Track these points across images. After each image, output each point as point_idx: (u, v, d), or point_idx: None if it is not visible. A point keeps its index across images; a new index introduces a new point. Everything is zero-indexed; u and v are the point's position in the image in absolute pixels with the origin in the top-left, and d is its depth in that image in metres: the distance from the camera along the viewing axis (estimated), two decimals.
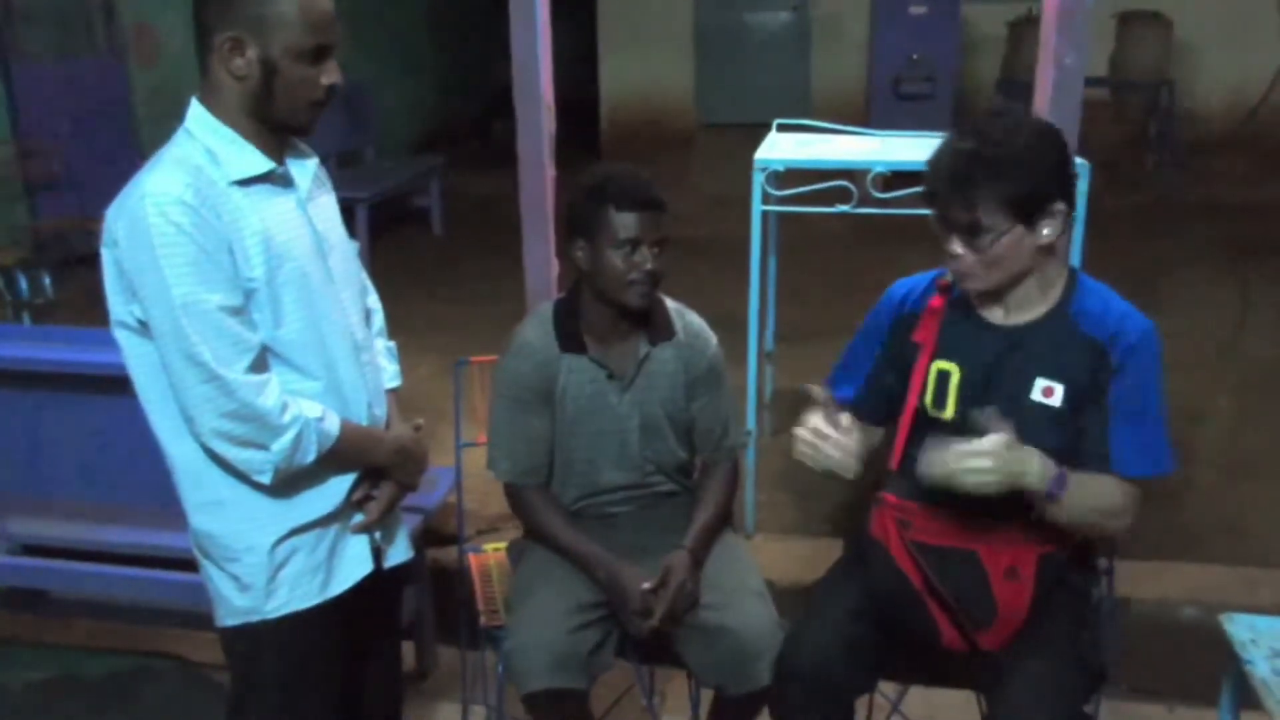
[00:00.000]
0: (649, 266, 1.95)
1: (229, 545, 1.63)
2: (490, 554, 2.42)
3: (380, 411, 1.79)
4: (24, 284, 4.84)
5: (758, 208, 2.82)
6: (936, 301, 1.86)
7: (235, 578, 1.64)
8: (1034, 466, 1.64)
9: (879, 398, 1.93)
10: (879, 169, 2.82)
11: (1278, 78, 5.95)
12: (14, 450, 2.43)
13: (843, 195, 2.79)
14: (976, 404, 1.76)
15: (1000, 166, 1.64)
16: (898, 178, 2.88)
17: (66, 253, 5.10)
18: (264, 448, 1.53)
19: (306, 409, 1.57)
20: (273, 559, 1.63)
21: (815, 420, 1.75)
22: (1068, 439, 1.74)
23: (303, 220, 1.63)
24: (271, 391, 1.53)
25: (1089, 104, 2.50)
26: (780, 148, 3.04)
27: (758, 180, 2.80)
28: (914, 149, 3.11)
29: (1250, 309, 4.93)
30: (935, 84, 7.52)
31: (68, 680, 2.68)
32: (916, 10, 7.59)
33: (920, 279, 1.94)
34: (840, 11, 8.50)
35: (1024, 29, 7.22)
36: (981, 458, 1.60)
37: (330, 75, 1.57)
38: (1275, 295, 5.11)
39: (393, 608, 2.01)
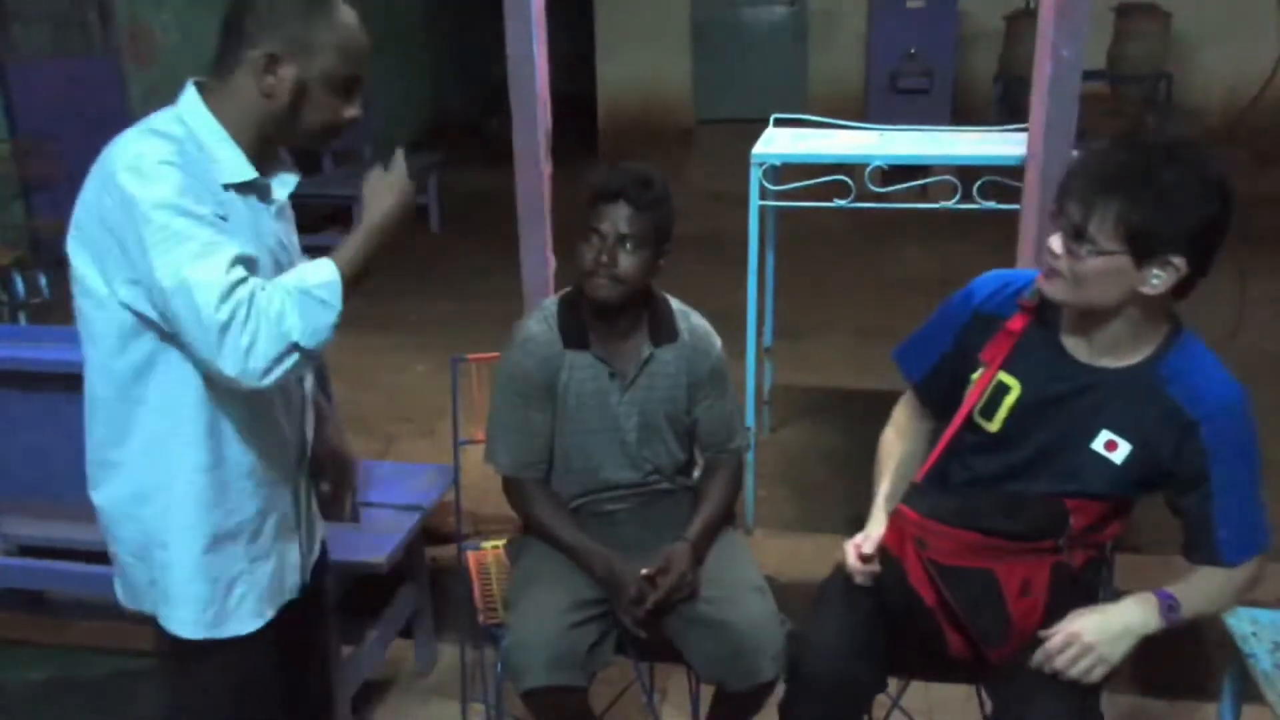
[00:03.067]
0: (603, 259, 1.94)
1: (147, 541, 1.57)
2: (489, 551, 2.41)
3: (307, 422, 1.75)
4: (20, 284, 4.83)
5: (755, 203, 2.81)
6: (1016, 323, 1.73)
7: (147, 569, 1.58)
8: (1132, 618, 1.64)
9: (944, 386, 1.84)
10: (877, 163, 2.81)
11: (1276, 70, 5.94)
12: (11, 451, 2.42)
13: (841, 190, 2.78)
14: (1028, 428, 1.71)
15: (1136, 187, 1.51)
16: (895, 172, 2.88)
17: (63, 252, 5.09)
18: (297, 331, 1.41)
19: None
20: (177, 567, 1.57)
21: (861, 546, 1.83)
22: (1119, 493, 1.69)
23: (271, 233, 1.59)
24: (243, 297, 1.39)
25: (1086, 97, 2.49)
26: (777, 143, 3.03)
27: (755, 175, 2.79)
28: (911, 143, 3.10)
29: (1249, 302, 4.92)
30: (932, 78, 7.52)
31: (66, 681, 2.68)
32: (913, 4, 7.59)
33: (1013, 279, 1.80)
34: (837, 6, 8.51)
35: (1021, 22, 7.23)
36: (1087, 654, 1.63)
37: (355, 109, 1.56)
38: (1274, 288, 5.10)
39: (322, 612, 1.93)
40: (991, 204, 2.74)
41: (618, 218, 1.95)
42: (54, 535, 2.53)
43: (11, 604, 2.83)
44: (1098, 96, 7.26)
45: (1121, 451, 1.66)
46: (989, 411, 1.75)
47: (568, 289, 2.11)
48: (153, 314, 1.43)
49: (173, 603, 1.59)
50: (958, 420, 1.77)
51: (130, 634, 2.76)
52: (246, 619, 1.63)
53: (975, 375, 1.77)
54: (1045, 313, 1.71)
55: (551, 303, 2.12)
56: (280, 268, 1.58)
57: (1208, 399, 1.62)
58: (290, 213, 1.69)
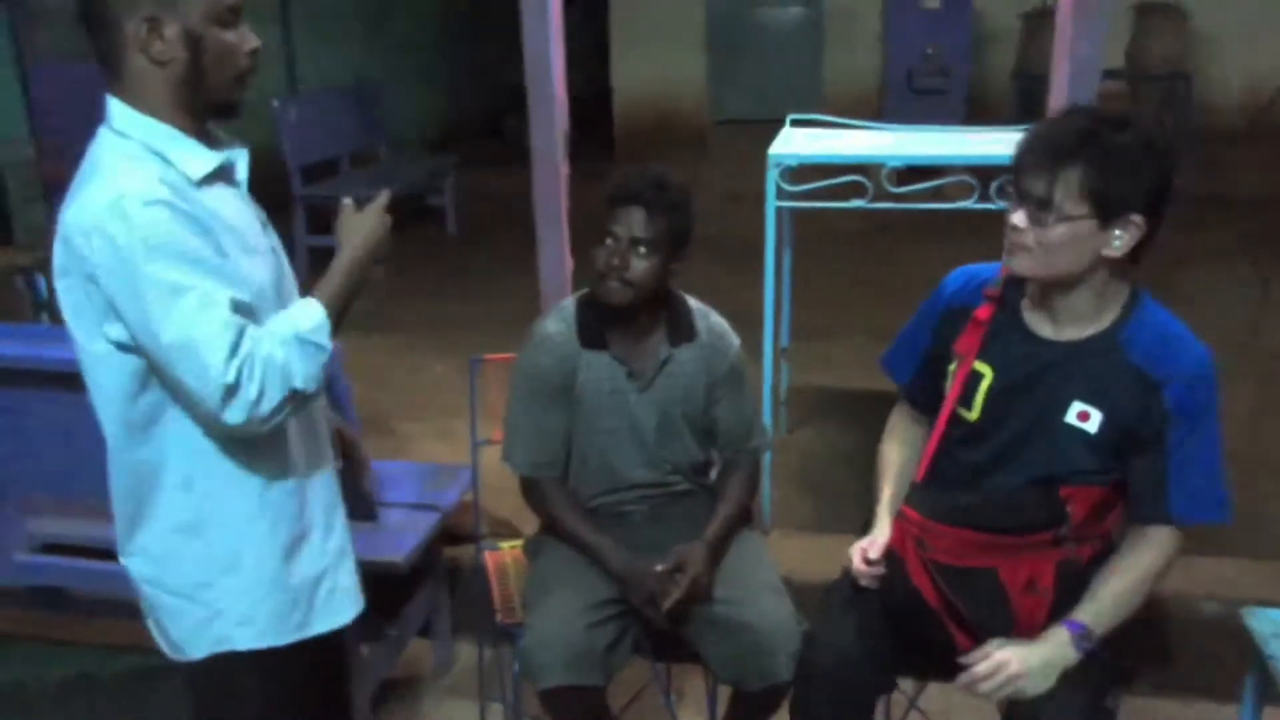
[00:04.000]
0: (615, 262, 1.95)
1: (206, 570, 1.54)
2: (507, 551, 2.42)
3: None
4: (43, 285, 4.87)
5: (772, 203, 2.81)
6: (984, 312, 1.79)
7: (205, 605, 1.55)
8: (1050, 654, 1.66)
9: (929, 385, 1.88)
10: (894, 163, 2.80)
11: None
12: (34, 450, 2.44)
13: (857, 190, 2.78)
14: (1004, 412, 1.73)
15: (1096, 151, 1.57)
16: (912, 172, 2.87)
17: None
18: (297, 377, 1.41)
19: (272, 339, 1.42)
20: (253, 585, 1.55)
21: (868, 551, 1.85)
22: (1100, 465, 1.70)
23: (253, 214, 1.56)
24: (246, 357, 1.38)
25: (1104, 96, 2.48)
26: (794, 143, 3.03)
27: (772, 176, 2.79)
28: (928, 143, 3.10)
29: (1268, 302, 4.89)
30: (949, 78, 7.49)
31: (86, 679, 2.69)
32: (929, 4, 7.56)
33: (977, 272, 1.87)
34: (853, 6, 8.47)
35: (1038, 21, 7.18)
36: (1013, 682, 1.65)
37: (249, 40, 1.45)
38: None
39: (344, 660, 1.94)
40: (1009, 204, 2.72)
41: (632, 221, 1.95)
42: (76, 533, 2.55)
43: (33, 601, 2.85)
44: (1116, 95, 7.22)
45: (1094, 420, 1.68)
46: (967, 401, 1.78)
47: (585, 289, 2.11)
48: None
49: (252, 618, 1.56)
50: (944, 415, 1.79)
51: (148, 634, 2.78)
52: (341, 610, 1.66)
53: (952, 368, 1.81)
54: (1009, 298, 1.77)
55: (569, 303, 2.12)
56: (272, 249, 1.57)
57: (1169, 361, 1.65)
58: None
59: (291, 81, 7.34)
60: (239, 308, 1.39)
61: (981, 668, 1.67)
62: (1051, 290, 1.70)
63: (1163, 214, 1.62)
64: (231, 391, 1.35)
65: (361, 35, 8.46)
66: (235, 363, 1.35)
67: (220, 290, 1.37)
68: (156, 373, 1.41)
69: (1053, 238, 1.61)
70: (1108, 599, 1.70)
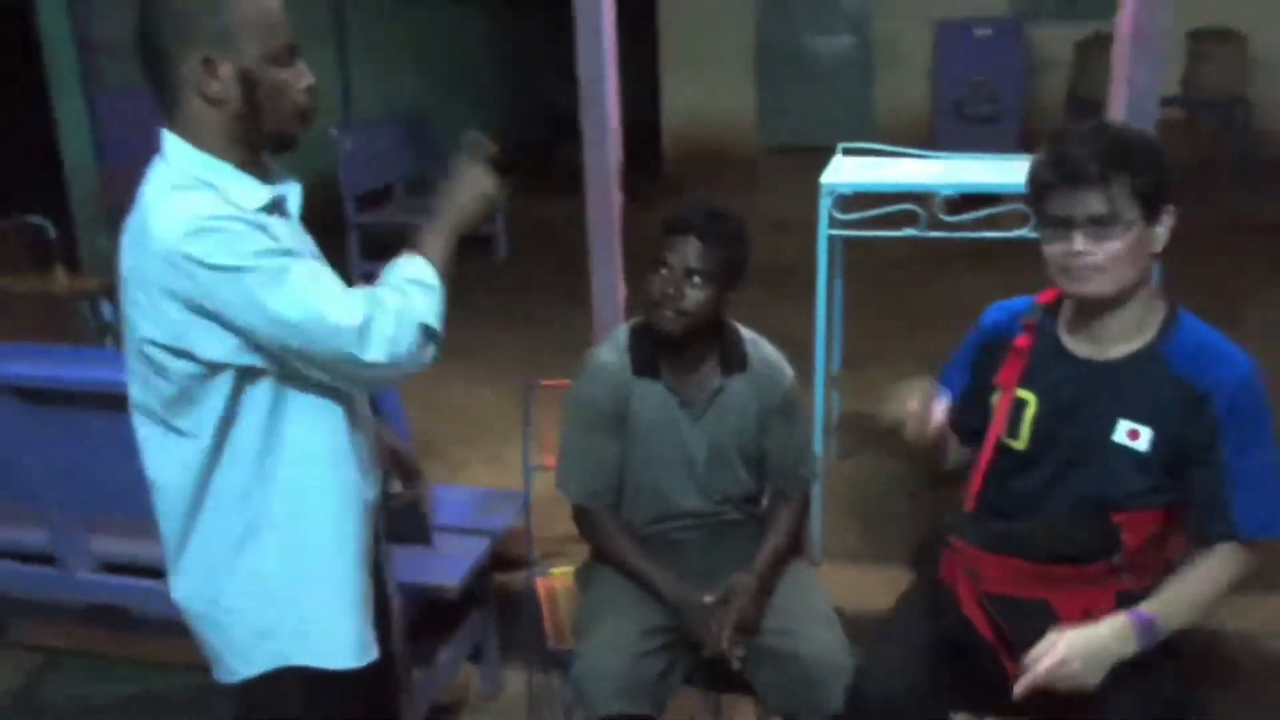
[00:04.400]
0: (669, 291, 1.95)
1: (265, 584, 1.54)
2: (557, 578, 2.42)
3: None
4: (107, 310, 4.99)
5: (824, 232, 2.81)
6: (1023, 341, 1.79)
7: (262, 617, 1.55)
8: (1112, 640, 1.61)
9: (970, 417, 1.86)
10: (947, 192, 2.79)
11: None
12: (99, 471, 2.49)
13: (910, 219, 2.77)
14: (1051, 437, 1.72)
15: (1139, 155, 1.62)
16: (965, 201, 2.86)
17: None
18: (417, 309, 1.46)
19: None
20: (310, 601, 1.56)
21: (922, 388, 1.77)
22: (1154, 484, 1.67)
23: (307, 244, 1.58)
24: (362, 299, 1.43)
25: (1161, 124, 2.45)
26: (846, 171, 3.03)
27: (824, 204, 2.79)
28: (981, 171, 3.08)
29: None
30: (1000, 105, 7.45)
31: (148, 696, 2.74)
32: (980, 32, 7.54)
33: (1014, 305, 1.88)
34: (903, 34, 8.46)
35: (1092, 49, 7.12)
36: (1065, 664, 1.59)
37: (305, 76, 1.48)
38: None
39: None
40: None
41: (687, 251, 1.95)
42: (138, 552, 2.60)
43: (95, 619, 2.91)
44: (1172, 123, 7.13)
45: (1144, 438, 1.66)
46: (1014, 430, 1.76)
47: (639, 318, 2.12)
48: (266, 363, 1.43)
49: (327, 639, 1.57)
50: (989, 443, 1.78)
51: None
52: (371, 645, 1.63)
53: (994, 400, 1.80)
54: (1046, 325, 1.78)
55: (623, 331, 2.14)
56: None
57: (1213, 372, 1.64)
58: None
59: (347, 111, 7.49)
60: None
61: (1045, 665, 1.61)
62: (1099, 309, 1.69)
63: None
64: (365, 330, 1.39)
65: (415, 65, 8.62)
66: (360, 308, 1.40)
67: (312, 263, 1.44)
68: (293, 366, 1.44)
69: (1121, 249, 1.61)
70: (1178, 598, 1.65)
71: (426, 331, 1.46)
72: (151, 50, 1.41)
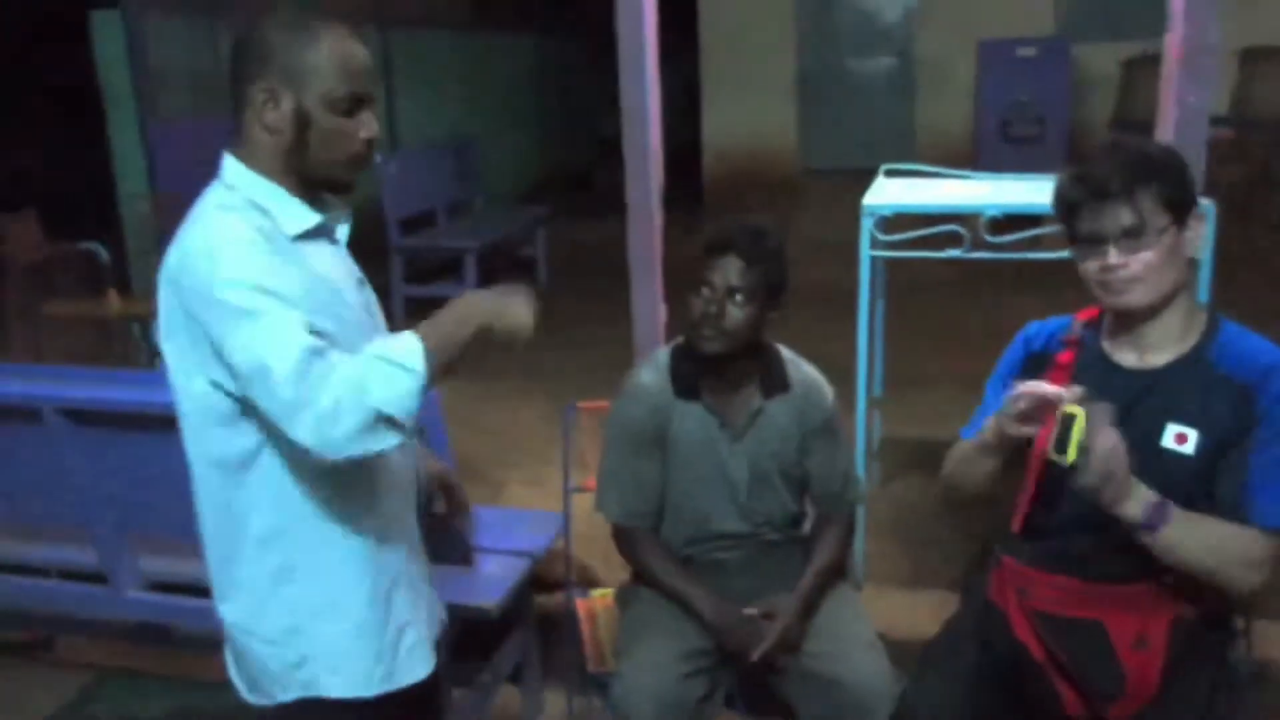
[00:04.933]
0: (711, 310, 1.94)
1: (295, 614, 1.56)
2: (598, 599, 2.42)
3: (413, 458, 1.73)
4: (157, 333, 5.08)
5: (866, 253, 2.79)
6: (1065, 356, 1.79)
7: (293, 649, 1.57)
8: (1138, 489, 1.57)
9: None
10: (991, 212, 2.76)
11: None
12: (146, 490, 2.53)
13: (953, 240, 2.75)
14: None
15: (1155, 164, 1.65)
16: (1009, 221, 2.83)
17: None
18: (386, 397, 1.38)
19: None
20: (341, 633, 1.57)
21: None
22: (1203, 492, 1.65)
23: (351, 270, 1.60)
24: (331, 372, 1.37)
25: (1211, 143, 2.42)
26: (888, 192, 3.02)
27: (866, 225, 2.78)
28: (1025, 192, 3.05)
29: None
30: (1045, 126, 7.39)
31: (191, 713, 2.77)
32: (1024, 52, 7.49)
33: (1053, 323, 1.88)
34: (946, 55, 8.43)
35: (1139, 68, 7.05)
36: (1105, 436, 1.53)
37: (368, 129, 1.50)
38: None
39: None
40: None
41: (728, 270, 1.95)
42: (185, 571, 2.63)
43: (141, 636, 2.95)
44: (1222, 142, 7.02)
45: (1191, 441, 1.65)
46: (1061, 446, 1.71)
47: (679, 339, 2.12)
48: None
49: (340, 668, 1.58)
50: (1035, 461, 1.75)
51: None
52: (419, 665, 1.65)
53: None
54: (1087, 340, 1.79)
55: (663, 353, 2.14)
56: (367, 307, 1.61)
57: (1257, 364, 1.64)
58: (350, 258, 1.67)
59: (393, 137, 7.60)
60: (318, 333, 1.39)
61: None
62: (1139, 319, 1.70)
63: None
64: (300, 406, 1.34)
65: (459, 93, 8.74)
66: (307, 379, 1.34)
67: (295, 315, 1.38)
68: (251, 406, 1.43)
69: (1156, 258, 1.63)
70: (1200, 525, 1.60)
71: (380, 417, 1.36)
72: (234, 73, 1.48)
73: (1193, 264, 1.70)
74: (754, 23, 8.71)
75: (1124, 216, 1.63)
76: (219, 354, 1.41)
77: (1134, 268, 1.64)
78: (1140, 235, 1.62)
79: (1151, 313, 1.69)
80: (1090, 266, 1.68)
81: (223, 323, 1.38)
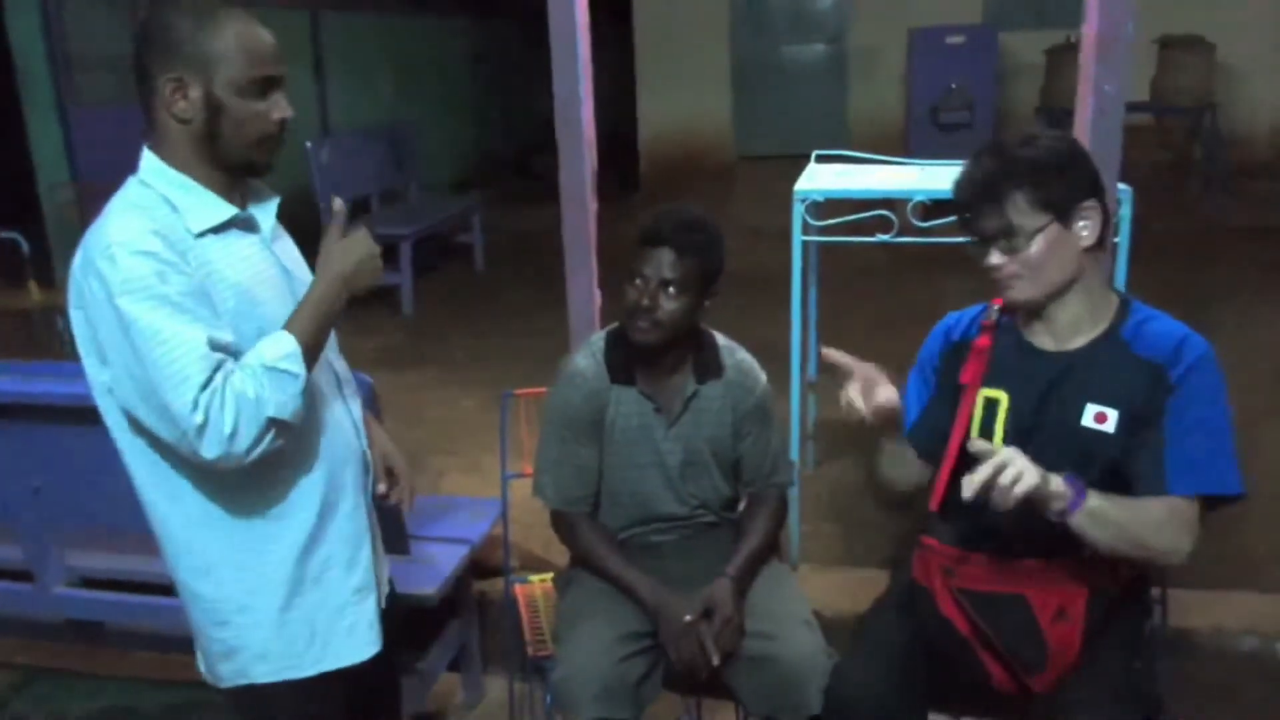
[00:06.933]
0: (644, 302, 1.96)
1: (219, 609, 1.59)
2: (536, 584, 2.43)
3: (363, 440, 1.74)
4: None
5: (798, 238, 2.83)
6: (983, 341, 1.83)
7: (221, 641, 1.60)
8: (1053, 480, 1.58)
9: (932, 432, 1.89)
10: (919, 198, 2.82)
11: None
12: (74, 484, 2.49)
13: (883, 225, 2.80)
14: (1025, 432, 1.74)
15: (1022, 167, 1.66)
16: (938, 206, 2.88)
17: None
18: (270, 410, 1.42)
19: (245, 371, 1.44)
20: (266, 623, 1.59)
21: (866, 373, 1.80)
22: (1126, 466, 1.69)
23: (271, 260, 1.59)
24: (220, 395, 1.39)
25: (1131, 129, 2.49)
26: (820, 178, 3.06)
27: (798, 211, 2.81)
28: (953, 177, 3.11)
29: None
30: (974, 112, 7.52)
31: (124, 711, 2.72)
32: (953, 40, 7.61)
33: (969, 312, 1.93)
34: (877, 42, 8.54)
35: (1062, 56, 7.21)
36: (1012, 462, 1.53)
37: (280, 109, 1.51)
38: None
39: (394, 685, 1.97)
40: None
41: (661, 262, 1.96)
42: (115, 567, 2.59)
43: (73, 635, 2.90)
44: (1142, 128, 7.22)
45: (1111, 420, 1.70)
46: (987, 430, 1.78)
47: (615, 325, 2.13)
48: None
49: (265, 656, 1.60)
50: (955, 442, 1.80)
51: (187, 665, 2.81)
52: (362, 646, 1.67)
53: (961, 401, 1.82)
54: (1004, 324, 1.83)
55: (599, 338, 2.15)
56: (293, 295, 1.58)
57: (1170, 347, 1.68)
58: (285, 234, 1.68)
59: (324, 122, 7.48)
60: (218, 346, 1.41)
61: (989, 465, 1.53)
62: (1047, 306, 1.74)
63: (1104, 188, 1.73)
64: (202, 429, 1.37)
65: (392, 77, 8.62)
66: (204, 400, 1.37)
67: (196, 331, 1.39)
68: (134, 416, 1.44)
69: (1034, 256, 1.67)
70: (1117, 501, 1.62)
71: (272, 424, 1.43)
72: (139, 63, 1.46)
73: (1107, 248, 1.73)
74: (688, 10, 8.73)
75: (994, 221, 1.68)
76: (103, 360, 1.41)
77: (1011, 268, 1.69)
78: (1013, 237, 1.67)
79: (1044, 304, 1.73)
80: (980, 263, 1.74)
81: (119, 335, 1.38)
